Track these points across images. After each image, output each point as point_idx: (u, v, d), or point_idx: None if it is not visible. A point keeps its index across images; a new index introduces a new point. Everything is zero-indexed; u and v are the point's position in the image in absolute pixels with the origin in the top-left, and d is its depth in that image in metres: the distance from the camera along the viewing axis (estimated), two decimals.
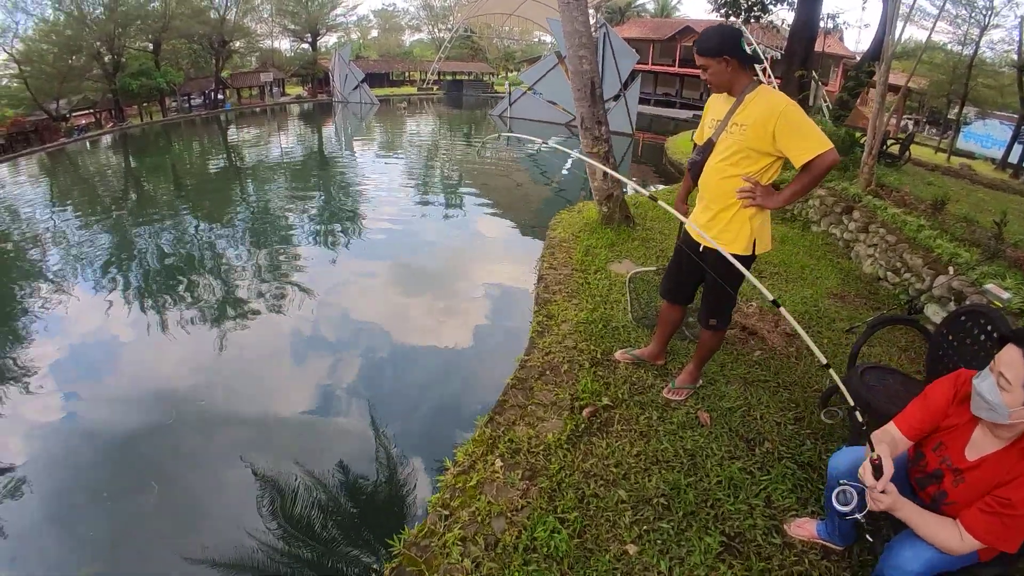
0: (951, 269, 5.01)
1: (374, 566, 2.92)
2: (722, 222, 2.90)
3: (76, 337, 5.90)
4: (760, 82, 2.76)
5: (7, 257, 8.93)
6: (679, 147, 16.41)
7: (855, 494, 1.92)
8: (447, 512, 2.63)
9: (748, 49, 2.74)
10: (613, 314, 4.70)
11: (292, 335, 5.74)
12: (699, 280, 3.25)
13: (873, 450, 1.87)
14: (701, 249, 3.03)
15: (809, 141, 2.54)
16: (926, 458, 1.99)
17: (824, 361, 2.19)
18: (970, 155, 25.31)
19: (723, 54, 2.69)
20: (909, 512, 1.84)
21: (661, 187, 11.81)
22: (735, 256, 2.76)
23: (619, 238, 6.73)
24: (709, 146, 2.90)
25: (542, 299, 5.16)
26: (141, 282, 7.46)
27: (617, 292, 5.15)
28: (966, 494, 1.82)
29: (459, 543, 2.46)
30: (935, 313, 4.84)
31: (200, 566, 3.06)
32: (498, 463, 2.92)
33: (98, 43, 25.46)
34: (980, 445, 1.83)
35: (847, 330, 4.61)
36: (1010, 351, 1.64)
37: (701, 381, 3.62)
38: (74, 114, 26.31)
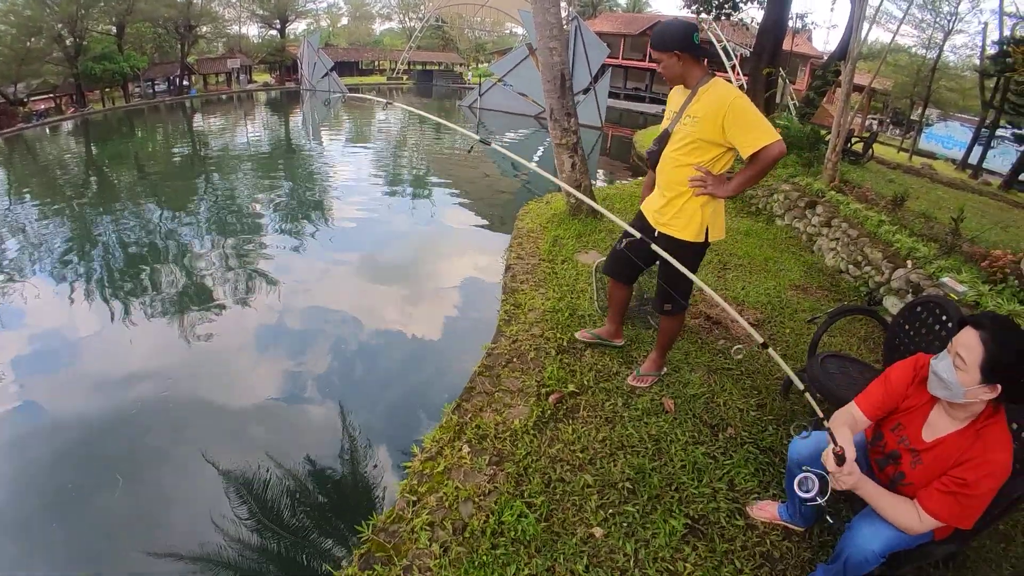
0: (909, 263, 5.18)
1: (342, 554, 2.91)
2: (674, 208, 3.01)
3: (34, 329, 5.69)
4: (714, 75, 2.85)
5: None
6: (647, 140, 16.58)
7: (816, 480, 1.99)
8: (415, 498, 2.64)
9: (702, 43, 2.86)
10: (579, 303, 4.74)
11: (258, 325, 5.66)
12: (643, 265, 3.39)
13: (836, 443, 1.94)
14: (656, 234, 3.12)
15: (756, 133, 2.63)
16: (885, 439, 2.06)
17: (760, 340, 2.32)
18: (931, 155, 26.14)
19: (674, 49, 2.80)
20: (871, 491, 1.91)
21: (629, 180, 11.90)
22: (688, 242, 2.97)
23: (586, 229, 6.79)
24: (665, 136, 3.01)
25: (509, 288, 5.18)
26: (103, 273, 7.23)
27: (583, 282, 5.19)
28: (923, 475, 1.88)
29: (427, 528, 2.46)
30: (893, 305, 5.00)
31: (165, 560, 3.00)
32: (465, 449, 2.93)
33: (59, 25, 24.49)
34: (937, 426, 1.90)
35: (809, 320, 4.72)
36: (967, 333, 1.72)
37: (666, 369, 3.68)
38: (33, 98, 25.33)
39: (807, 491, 1.99)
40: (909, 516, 1.83)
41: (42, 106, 25.56)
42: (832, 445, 1.94)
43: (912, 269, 5.07)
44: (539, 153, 17.40)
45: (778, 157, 2.66)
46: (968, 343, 1.70)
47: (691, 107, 2.84)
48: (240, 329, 5.62)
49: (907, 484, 1.93)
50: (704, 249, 3.10)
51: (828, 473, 1.96)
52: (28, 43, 23.61)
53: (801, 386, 2.19)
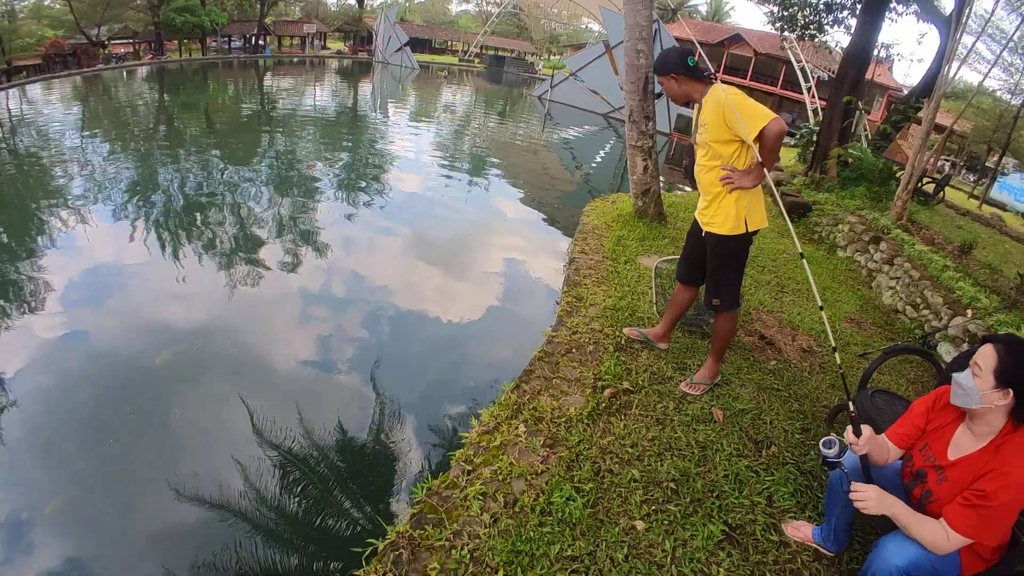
0: (969, 312, 5.10)
1: (396, 512, 3.10)
2: (714, 208, 3.28)
3: (88, 263, 5.96)
4: (714, 83, 3.15)
5: (32, 177, 9.06)
6: None
7: (838, 443, 2.15)
8: (470, 468, 2.77)
9: (698, 64, 3.17)
10: (639, 305, 4.82)
11: (316, 289, 5.88)
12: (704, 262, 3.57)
13: (855, 425, 2.14)
14: (703, 234, 3.39)
15: (751, 119, 2.90)
16: (913, 459, 2.19)
17: (833, 344, 2.55)
18: (1002, 206, 25.07)
19: (670, 72, 3.18)
20: (897, 509, 1.99)
21: (688, 189, 11.86)
22: (730, 236, 3.23)
23: (651, 233, 6.84)
24: (691, 149, 3.43)
25: (572, 281, 5.27)
26: (160, 216, 7.53)
27: (644, 284, 5.26)
28: (949, 491, 1.98)
29: (479, 497, 2.59)
30: (947, 352, 4.94)
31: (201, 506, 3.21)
32: (521, 428, 3.06)
33: None
34: (961, 445, 2.03)
35: (860, 355, 4.71)
36: (985, 347, 1.93)
37: (719, 378, 3.75)
38: (113, 42, 26.42)
39: (829, 448, 2.14)
40: (936, 533, 1.90)
41: (121, 50, 26.66)
42: (851, 427, 2.15)
43: (971, 319, 4.99)
44: (604, 151, 17.36)
45: (779, 133, 2.90)
46: (984, 353, 1.91)
47: (700, 117, 3.21)
48: (295, 289, 5.83)
49: (934, 501, 2.02)
50: (748, 240, 3.31)
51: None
52: None
53: (851, 407, 2.30)
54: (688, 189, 12.17)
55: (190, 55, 29.37)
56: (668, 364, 3.94)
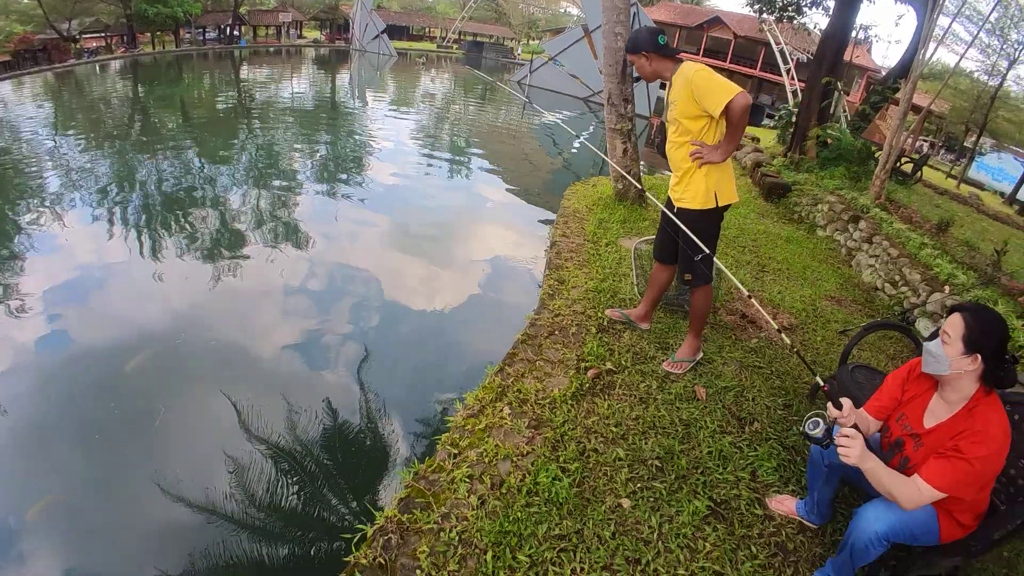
0: (947, 288, 5.17)
1: (383, 497, 3.10)
2: (684, 183, 3.35)
3: (66, 261, 5.87)
4: (682, 61, 3.21)
5: (4, 177, 8.81)
6: None
7: (822, 423, 2.16)
8: (456, 451, 2.77)
9: (667, 44, 3.21)
10: (621, 286, 4.84)
11: (296, 278, 5.87)
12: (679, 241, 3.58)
13: (834, 401, 2.17)
14: (675, 210, 3.44)
15: (718, 94, 2.97)
16: (890, 429, 2.25)
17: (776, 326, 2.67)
18: (980, 185, 25.45)
19: (640, 51, 3.20)
20: (873, 464, 2.02)
21: (667, 173, 11.89)
22: (701, 210, 3.30)
23: (631, 215, 6.86)
24: (662, 127, 3.52)
25: (554, 264, 5.28)
26: (137, 211, 7.44)
27: (626, 266, 5.29)
28: (925, 457, 2.03)
29: (466, 480, 2.59)
30: (926, 327, 5.01)
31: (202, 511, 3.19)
32: (506, 410, 3.07)
33: None
34: (936, 413, 2.09)
35: (840, 331, 4.77)
36: (953, 315, 2.00)
37: (701, 355, 3.78)
38: (85, 36, 25.81)
39: (815, 428, 2.15)
40: (909, 488, 1.95)
41: (93, 44, 26.07)
42: (830, 402, 2.18)
43: (949, 295, 5.06)
44: (585, 135, 17.33)
45: (745, 107, 2.95)
46: (953, 321, 1.98)
47: (670, 94, 3.27)
48: (275, 279, 5.81)
49: (911, 467, 2.07)
50: (719, 215, 3.40)
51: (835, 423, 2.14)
52: None
53: (820, 381, 2.35)
54: (668, 172, 12.21)
55: (164, 47, 28.79)
56: (650, 344, 3.96)
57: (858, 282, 6.16)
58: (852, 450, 1.99)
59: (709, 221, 3.36)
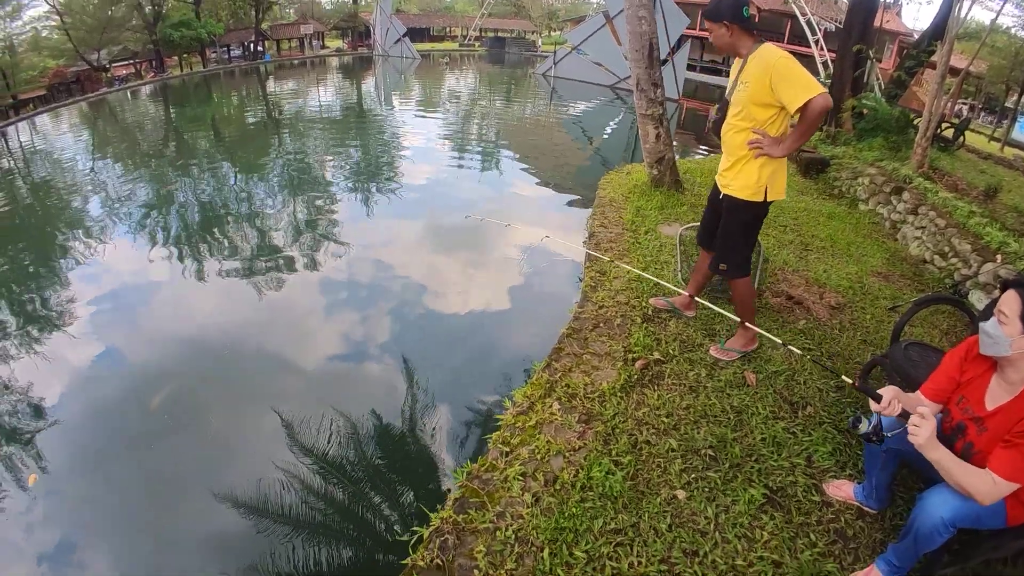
0: (999, 257, 4.97)
1: (439, 498, 3.11)
2: (735, 170, 3.20)
3: (114, 284, 6.06)
4: (764, 42, 3.00)
5: (51, 205, 9.22)
6: None
7: (862, 418, 2.13)
8: (507, 449, 2.80)
9: (752, 17, 3.01)
10: (663, 274, 4.79)
11: (339, 286, 5.96)
12: None
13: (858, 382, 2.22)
14: (721, 196, 3.34)
15: (800, 88, 2.78)
16: (951, 413, 2.16)
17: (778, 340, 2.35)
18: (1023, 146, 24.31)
19: (723, 19, 2.97)
20: (941, 455, 1.94)
21: (706, 155, 11.71)
22: (747, 201, 3.16)
23: (668, 201, 6.77)
24: (725, 105, 3.24)
25: (593, 256, 5.23)
26: (180, 232, 7.61)
27: (667, 253, 5.23)
28: (989, 441, 1.95)
29: (519, 478, 2.61)
30: (979, 300, 4.82)
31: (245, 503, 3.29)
32: (555, 406, 3.08)
33: None
34: (996, 395, 2.00)
35: (890, 308, 4.64)
36: (1007, 293, 1.91)
37: (756, 346, 3.69)
38: (114, 64, 26.66)
39: (858, 425, 2.13)
40: (982, 480, 1.86)
41: (123, 72, 26.89)
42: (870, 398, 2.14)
43: (1002, 264, 4.86)
44: (614, 123, 17.18)
45: (824, 109, 2.77)
46: (1008, 300, 1.89)
47: (743, 74, 3.03)
48: (318, 288, 5.91)
49: (976, 453, 1.99)
50: (764, 210, 3.25)
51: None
52: (110, 11, 24.90)
53: (848, 380, 2.33)
54: (703, 155, 12.00)
55: (191, 69, 29.50)
56: (697, 331, 3.92)
57: (905, 256, 5.97)
58: (922, 431, 1.91)
59: (754, 213, 3.25)
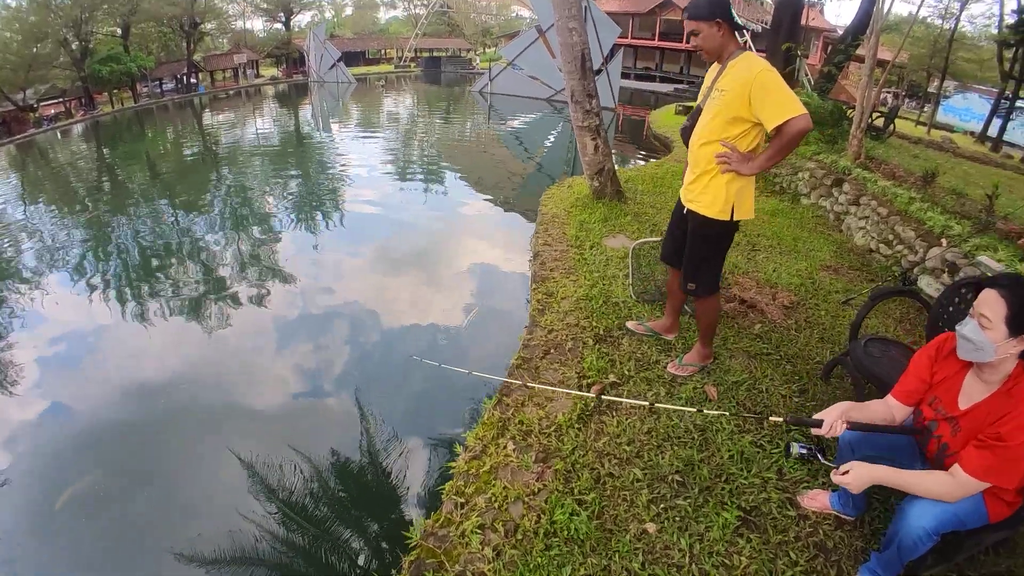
0: (944, 241, 5.04)
1: (391, 560, 2.87)
2: (701, 185, 2.99)
3: (55, 333, 5.70)
4: (745, 49, 2.81)
5: None
6: (664, 121, 16.29)
7: (797, 445, 2.16)
8: (462, 500, 2.58)
9: (736, 17, 2.83)
10: (612, 289, 4.67)
11: (278, 323, 5.67)
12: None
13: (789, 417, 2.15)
14: (684, 211, 3.15)
15: (781, 106, 2.58)
16: (923, 413, 2.07)
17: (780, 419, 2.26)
18: (949, 128, 25.55)
19: (716, 17, 2.74)
20: (884, 474, 1.91)
21: (641, 162, 11.78)
22: (713, 220, 2.96)
23: (612, 213, 6.69)
24: (697, 112, 3.00)
25: (539, 276, 5.10)
26: (121, 275, 7.26)
27: (615, 267, 5.12)
28: (964, 441, 1.88)
29: (478, 531, 2.41)
30: (928, 284, 4.87)
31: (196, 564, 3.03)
32: (510, 446, 2.88)
33: (64, 29, 24.70)
34: (971, 393, 1.92)
35: (843, 302, 4.63)
36: (987, 293, 1.79)
37: (712, 361, 3.58)
38: (42, 104, 25.43)
39: (803, 449, 2.21)
40: (943, 482, 1.83)
41: (52, 111, 25.65)
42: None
43: (947, 248, 4.93)
44: (554, 135, 17.21)
45: (804, 132, 2.60)
46: (989, 301, 1.77)
47: (721, 81, 2.81)
48: (261, 327, 5.63)
49: (951, 454, 1.92)
50: (732, 229, 3.06)
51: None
52: (34, 49, 23.83)
53: (779, 419, 2.25)
54: (642, 161, 12.08)
55: (122, 105, 28.34)
56: (652, 348, 3.79)
57: (851, 247, 6.03)
58: (853, 484, 1.91)
59: (720, 232, 3.04)
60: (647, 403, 2.62)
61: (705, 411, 2.59)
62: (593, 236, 5.96)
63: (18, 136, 21.25)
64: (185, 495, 3.60)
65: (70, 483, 3.71)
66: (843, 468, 1.96)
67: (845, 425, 2.02)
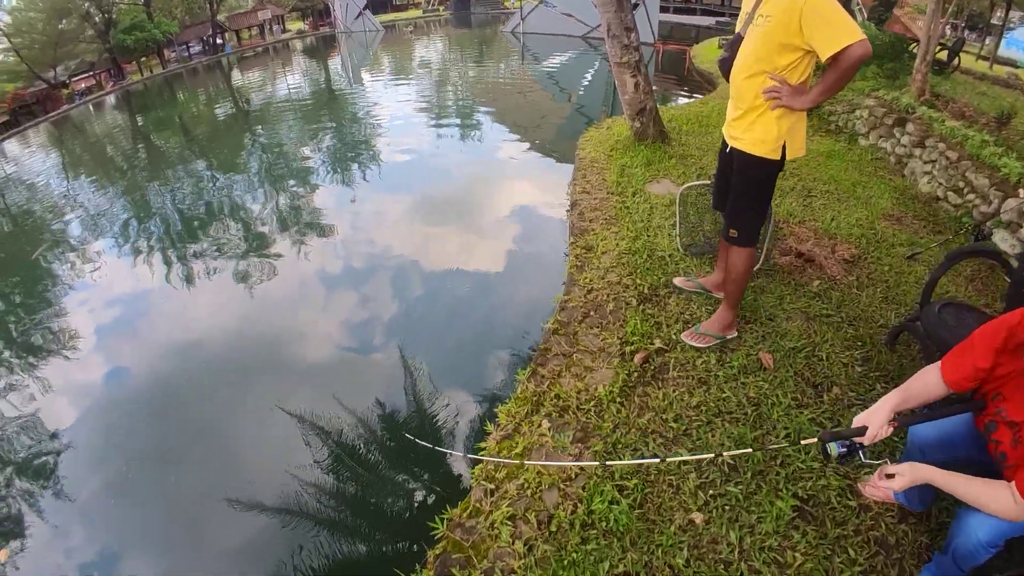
0: (1021, 192, 4.51)
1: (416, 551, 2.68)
2: (747, 122, 2.69)
3: (108, 300, 5.93)
4: None
5: (29, 231, 8.89)
6: (706, 56, 15.22)
7: (834, 444, 1.79)
8: (492, 486, 2.38)
9: None
10: (657, 241, 4.32)
11: (321, 277, 5.77)
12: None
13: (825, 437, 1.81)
14: (728, 150, 2.85)
15: (836, 30, 2.25)
16: (988, 407, 1.72)
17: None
18: (1012, 63, 23.53)
19: None
20: (934, 475, 1.64)
21: (684, 101, 11.11)
22: (760, 159, 2.63)
23: (655, 156, 6.22)
24: (737, 41, 2.68)
25: (578, 228, 4.75)
26: (166, 239, 7.41)
27: (659, 216, 4.75)
28: None
29: (508, 522, 2.21)
30: (1003, 239, 4.38)
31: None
32: (545, 424, 2.65)
33: (86, 3, 24.78)
34: None
35: (908, 256, 4.21)
36: None
37: (734, 334, 3.21)
38: (73, 79, 25.66)
39: (842, 448, 1.79)
40: (1000, 501, 1.53)
41: (83, 85, 25.86)
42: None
43: None
44: (589, 75, 16.47)
45: (862, 59, 2.27)
46: None
47: (764, 5, 2.49)
48: (304, 281, 5.74)
49: (1010, 467, 1.58)
50: (780, 167, 2.73)
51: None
52: (59, 26, 23.93)
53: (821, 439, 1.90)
54: (686, 98, 11.40)
55: (151, 72, 28.33)
56: (702, 307, 3.47)
57: (915, 194, 5.50)
58: (895, 484, 1.68)
59: (767, 172, 2.72)
60: (657, 458, 2.32)
61: (724, 455, 2.28)
62: (635, 182, 5.55)
63: (53, 113, 21.54)
64: (234, 447, 3.75)
65: (129, 436, 3.93)
66: (890, 469, 1.70)
67: (892, 427, 1.73)
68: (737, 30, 2.71)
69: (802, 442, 1.95)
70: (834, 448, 1.76)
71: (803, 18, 2.28)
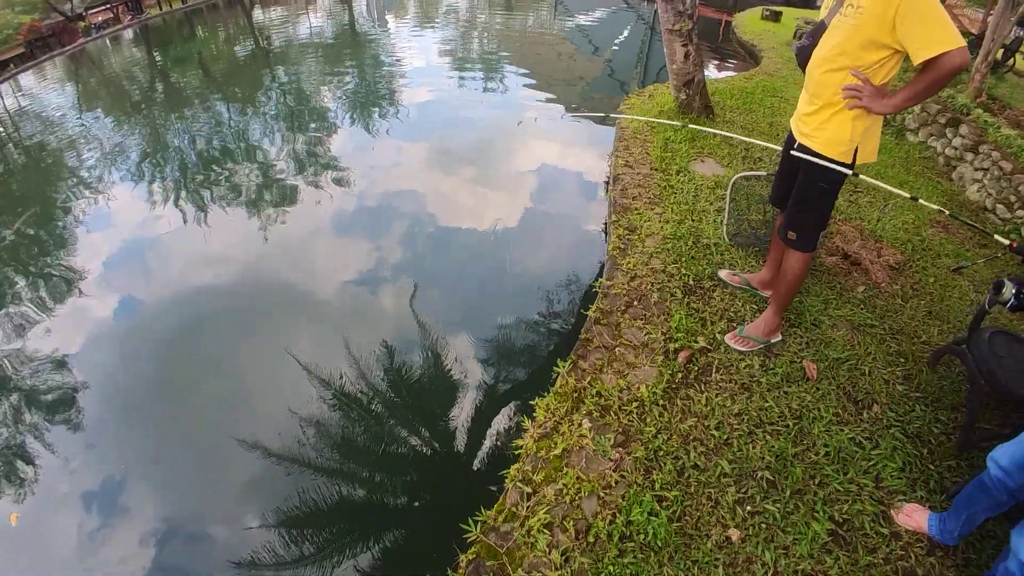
0: None
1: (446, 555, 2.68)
2: (821, 118, 2.54)
3: (125, 236, 5.96)
4: None
5: (46, 165, 8.79)
6: (748, 26, 14.27)
7: (1011, 284, 1.75)
8: (529, 489, 2.34)
9: None
10: (702, 227, 4.17)
11: (337, 224, 5.78)
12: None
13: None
14: (796, 145, 2.70)
15: (935, 33, 2.07)
16: None
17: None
18: None
19: None
20: None
21: (723, 73, 10.65)
22: (831, 160, 2.50)
23: (699, 131, 5.93)
24: (820, 29, 2.51)
25: (620, 205, 4.54)
26: (183, 176, 7.35)
27: (704, 200, 4.58)
28: None
29: (545, 530, 2.18)
30: None
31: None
32: (585, 424, 2.60)
33: None
34: None
35: (953, 269, 4.07)
36: None
37: (779, 338, 3.13)
38: (90, 12, 24.97)
39: (1000, 288, 1.76)
40: None
41: (100, 18, 25.17)
42: None
43: None
44: (624, 35, 15.88)
45: (958, 69, 2.10)
46: None
47: None
48: (320, 226, 5.78)
49: None
50: (850, 171, 2.58)
51: None
52: None
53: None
54: (730, 71, 10.95)
55: (171, 6, 27.62)
56: (747, 305, 3.38)
57: (963, 200, 5.31)
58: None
59: (837, 175, 2.57)
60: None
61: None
62: (680, 159, 5.32)
63: (69, 47, 21.06)
64: (245, 389, 3.86)
65: (143, 375, 4.03)
66: None
67: None
68: (821, 17, 2.54)
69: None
70: (1008, 289, 1.65)
71: (899, 14, 2.11)
